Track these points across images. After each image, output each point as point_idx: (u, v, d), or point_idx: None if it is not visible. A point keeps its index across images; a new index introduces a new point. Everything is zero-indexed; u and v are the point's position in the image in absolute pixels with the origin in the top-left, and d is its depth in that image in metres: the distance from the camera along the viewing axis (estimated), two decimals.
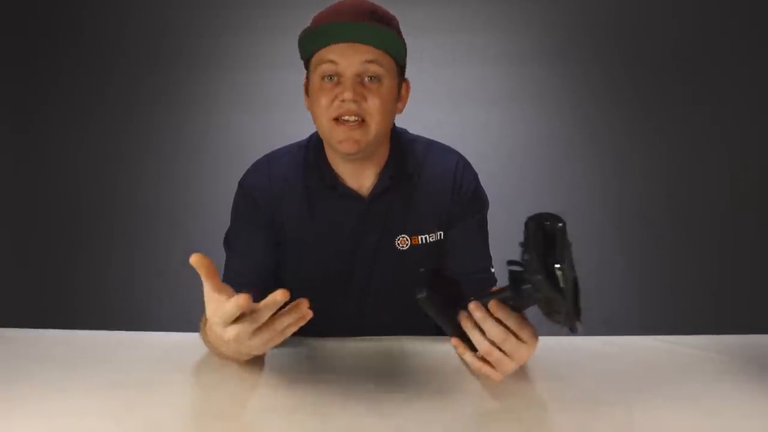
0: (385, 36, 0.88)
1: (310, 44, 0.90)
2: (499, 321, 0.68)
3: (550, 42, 2.42)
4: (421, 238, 1.02)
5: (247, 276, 0.98)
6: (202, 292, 0.94)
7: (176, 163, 2.46)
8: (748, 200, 2.43)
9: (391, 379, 0.79)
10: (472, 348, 0.70)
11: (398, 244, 1.02)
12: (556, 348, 0.94)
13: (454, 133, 1.19)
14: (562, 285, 0.58)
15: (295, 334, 0.97)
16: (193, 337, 0.95)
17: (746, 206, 2.43)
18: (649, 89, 2.42)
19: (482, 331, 0.66)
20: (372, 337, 0.96)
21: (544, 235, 0.61)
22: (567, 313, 0.60)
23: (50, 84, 2.42)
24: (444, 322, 0.70)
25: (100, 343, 0.92)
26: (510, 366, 0.67)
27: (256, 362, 0.85)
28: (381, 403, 0.73)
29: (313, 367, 0.85)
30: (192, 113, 2.43)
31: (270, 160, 1.05)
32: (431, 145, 1.09)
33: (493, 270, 1.05)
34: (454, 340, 0.69)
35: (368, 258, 1.03)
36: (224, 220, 1.08)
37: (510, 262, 0.62)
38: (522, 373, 0.84)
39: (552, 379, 0.83)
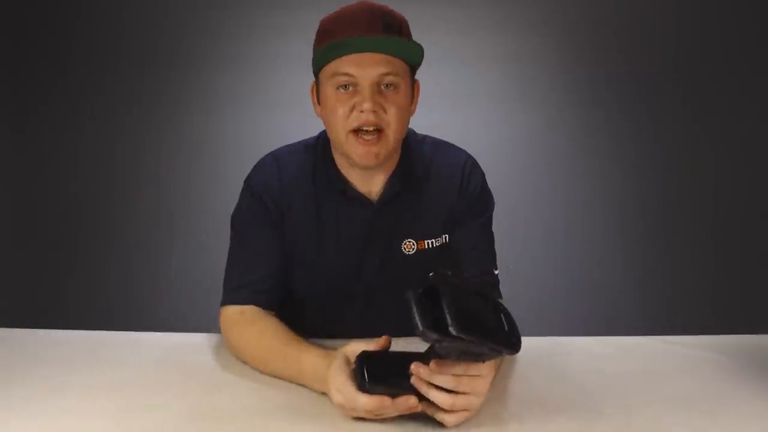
0: (400, 45, 0.88)
1: (325, 57, 0.89)
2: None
3: (551, 42, 2.41)
4: (428, 243, 1.02)
5: (261, 275, 0.97)
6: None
7: (176, 163, 2.46)
8: (748, 200, 2.43)
9: None
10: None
11: (404, 248, 1.01)
12: (556, 348, 0.94)
13: (452, 133, 1.18)
14: (465, 337, 0.57)
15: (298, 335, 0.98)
16: (193, 337, 0.95)
17: (746, 206, 2.43)
18: (650, 89, 2.42)
19: (436, 387, 0.65)
20: (372, 339, 0.96)
21: (427, 295, 0.60)
22: (491, 349, 0.60)
23: (49, 83, 2.42)
24: (402, 394, 0.68)
25: (100, 343, 0.92)
26: (476, 401, 0.67)
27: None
28: None
29: None
30: (192, 113, 2.43)
31: (278, 159, 1.03)
32: (439, 145, 1.08)
33: (497, 272, 1.05)
34: (420, 408, 0.68)
35: (375, 262, 1.02)
36: (224, 220, 1.08)
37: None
38: (522, 372, 0.84)
39: (552, 379, 0.83)
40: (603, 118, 2.44)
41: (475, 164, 1.06)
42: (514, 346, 0.61)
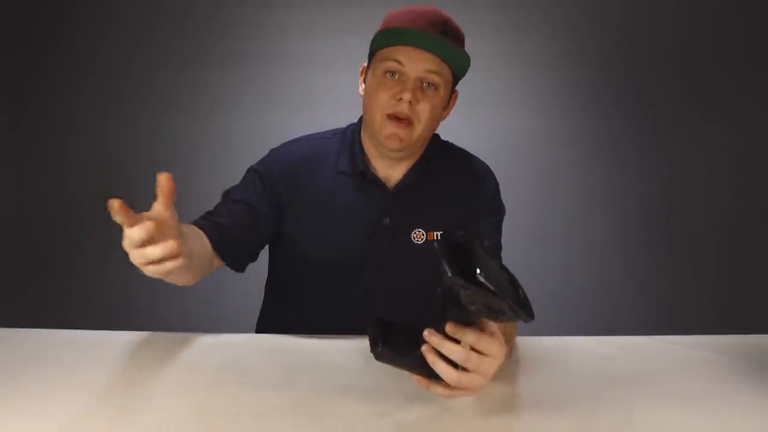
0: (453, 52, 0.95)
1: (384, 40, 0.96)
2: (456, 341, 0.66)
3: (554, 47, 2.41)
4: (437, 234, 1.06)
5: (221, 214, 1.01)
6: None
7: (176, 163, 2.45)
8: (747, 201, 2.43)
9: (391, 379, 0.79)
10: (435, 375, 0.68)
11: (414, 237, 1.05)
12: (555, 348, 0.94)
13: (452, 137, 1.19)
14: (492, 288, 0.58)
15: (301, 328, 0.98)
16: (193, 337, 0.95)
17: (746, 207, 2.43)
18: (650, 94, 2.41)
19: (444, 358, 0.66)
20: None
21: (458, 251, 0.63)
22: (510, 309, 0.60)
23: (49, 83, 2.42)
24: (408, 366, 0.69)
25: (100, 343, 0.92)
26: (480, 382, 0.66)
27: (255, 361, 0.85)
28: (381, 402, 0.73)
29: (313, 367, 0.85)
30: (192, 113, 2.43)
31: (308, 138, 1.11)
32: (460, 152, 1.16)
33: None
34: (415, 378, 0.69)
35: (382, 248, 1.05)
36: None
37: (440, 288, 0.62)
38: (522, 372, 0.84)
39: (552, 378, 0.83)
40: (604, 125, 2.44)
41: (491, 173, 1.14)
42: (530, 314, 0.62)
